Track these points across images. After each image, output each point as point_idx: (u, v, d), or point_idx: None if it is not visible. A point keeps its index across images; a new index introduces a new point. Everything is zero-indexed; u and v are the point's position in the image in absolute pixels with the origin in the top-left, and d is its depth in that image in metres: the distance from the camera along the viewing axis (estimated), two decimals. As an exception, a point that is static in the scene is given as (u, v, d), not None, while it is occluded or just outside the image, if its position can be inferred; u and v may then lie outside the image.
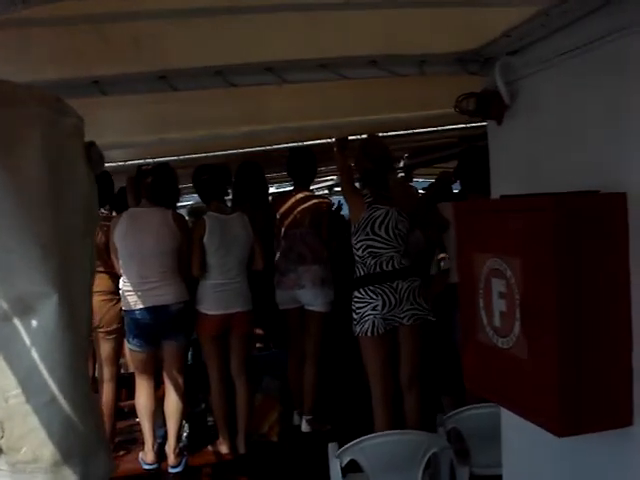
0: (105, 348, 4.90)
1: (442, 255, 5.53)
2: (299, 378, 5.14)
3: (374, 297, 4.14)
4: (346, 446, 3.71)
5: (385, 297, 4.13)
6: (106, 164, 4.64)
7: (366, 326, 4.14)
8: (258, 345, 6.07)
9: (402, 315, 4.15)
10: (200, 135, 3.89)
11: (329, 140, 4.63)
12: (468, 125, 4.29)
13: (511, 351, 2.08)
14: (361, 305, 4.18)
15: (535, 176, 2.37)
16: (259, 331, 6.02)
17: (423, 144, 6.16)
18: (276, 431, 5.02)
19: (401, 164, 7.88)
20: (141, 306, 4.54)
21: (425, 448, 3.77)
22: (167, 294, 4.58)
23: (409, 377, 4.27)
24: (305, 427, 5.06)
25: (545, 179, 2.31)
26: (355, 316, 4.21)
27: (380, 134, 4.52)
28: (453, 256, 4.45)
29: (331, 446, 3.99)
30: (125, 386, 5.27)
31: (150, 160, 4.51)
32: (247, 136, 4.14)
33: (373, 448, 3.73)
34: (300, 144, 4.76)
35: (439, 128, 4.54)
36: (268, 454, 4.91)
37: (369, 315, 4.14)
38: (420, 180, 9.91)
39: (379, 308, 4.12)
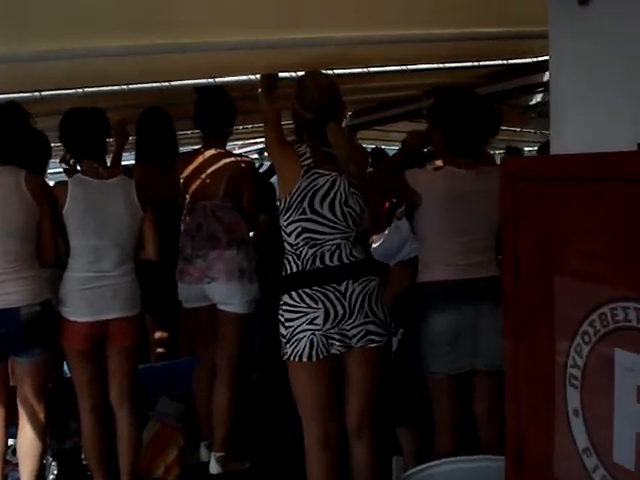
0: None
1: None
2: (208, 399, 3.82)
3: (313, 305, 2.83)
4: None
5: (329, 305, 2.83)
6: None
7: (300, 347, 2.84)
8: (160, 350, 4.68)
9: (352, 332, 2.86)
10: (62, 50, 2.50)
11: (252, 77, 3.30)
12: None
13: None
14: (293, 316, 2.86)
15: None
16: (162, 334, 4.67)
17: (377, 96, 4.92)
18: (175, 474, 3.71)
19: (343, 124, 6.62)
20: (-26, 310, 3.15)
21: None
22: (15, 293, 3.19)
23: (359, 418, 2.98)
24: (215, 467, 3.75)
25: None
26: (284, 331, 2.89)
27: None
28: (427, 244, 3.18)
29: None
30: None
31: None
32: (136, 56, 2.75)
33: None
34: (211, 81, 3.39)
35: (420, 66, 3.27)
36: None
37: (305, 331, 2.83)
38: (363, 145, 8.76)
39: (319, 321, 2.82)
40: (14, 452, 3.49)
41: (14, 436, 3.47)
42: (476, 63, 3.59)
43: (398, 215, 4.46)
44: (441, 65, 3.47)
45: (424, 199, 3.09)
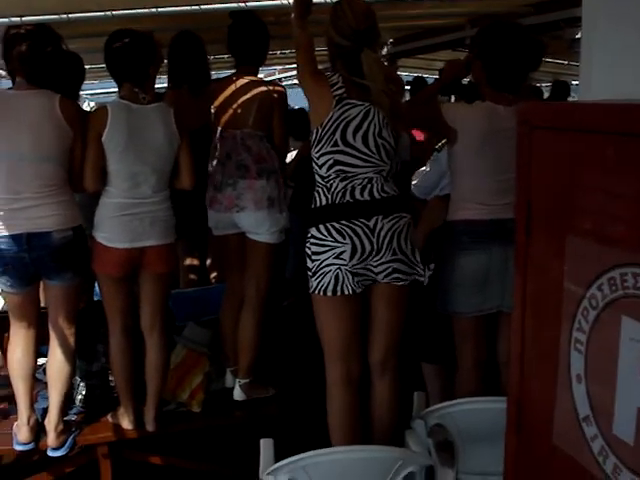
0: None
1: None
2: (235, 326, 3.84)
3: (340, 240, 2.81)
4: (282, 463, 2.54)
5: (356, 240, 2.80)
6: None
7: (325, 281, 2.83)
8: (190, 277, 4.71)
9: (378, 269, 2.84)
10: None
11: (285, 2, 3.20)
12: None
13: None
14: (320, 249, 2.84)
15: None
16: (192, 261, 4.69)
17: (419, 23, 4.76)
18: (200, 399, 3.75)
19: (383, 51, 6.45)
20: (6, 233, 3.17)
21: (396, 468, 2.60)
22: (47, 217, 3.20)
23: (383, 357, 2.99)
24: (238, 394, 3.79)
25: None
26: (310, 264, 2.89)
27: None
28: (461, 181, 3.11)
29: (264, 444, 2.88)
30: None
31: (17, 19, 3.00)
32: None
33: (319, 468, 2.55)
34: (242, 5, 3.29)
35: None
36: (186, 431, 3.68)
37: (331, 265, 2.81)
38: (405, 74, 8.59)
39: (346, 256, 2.80)
40: (45, 371, 3.58)
41: (46, 355, 3.55)
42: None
43: (438, 148, 4.37)
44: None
45: (460, 135, 3.00)
